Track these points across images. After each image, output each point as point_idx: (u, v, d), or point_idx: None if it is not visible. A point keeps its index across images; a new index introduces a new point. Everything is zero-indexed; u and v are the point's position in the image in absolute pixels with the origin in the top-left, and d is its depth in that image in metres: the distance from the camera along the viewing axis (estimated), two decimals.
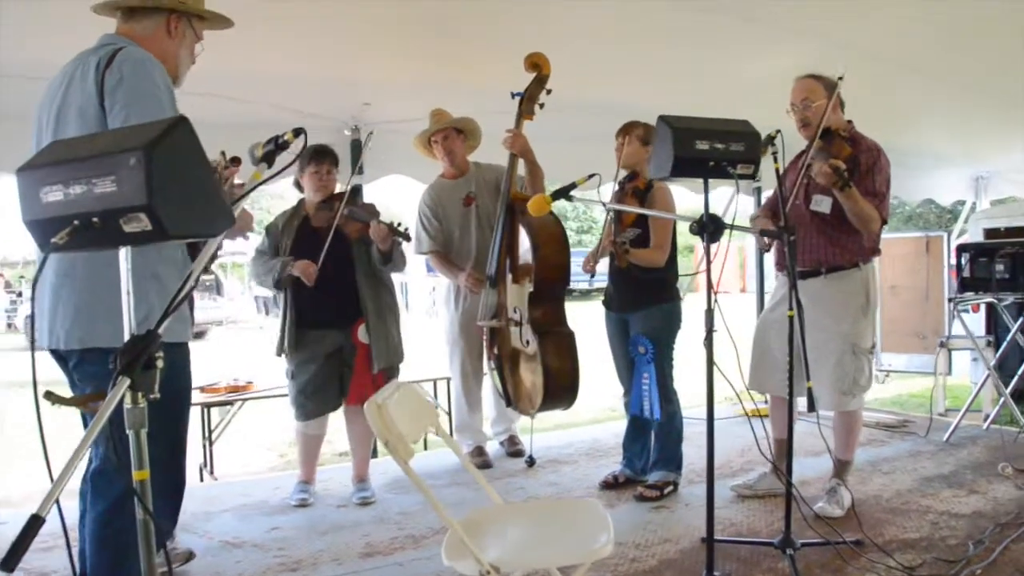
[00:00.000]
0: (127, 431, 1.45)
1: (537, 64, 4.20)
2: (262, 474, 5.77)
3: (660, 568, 3.21)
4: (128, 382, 1.36)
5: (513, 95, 4.29)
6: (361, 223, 3.95)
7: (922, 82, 5.51)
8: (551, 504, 3.57)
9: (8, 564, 1.18)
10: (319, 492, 4.27)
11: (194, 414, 5.25)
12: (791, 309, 3.07)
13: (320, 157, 4.08)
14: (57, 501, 1.31)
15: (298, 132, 1.70)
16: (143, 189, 1.27)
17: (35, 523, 1.21)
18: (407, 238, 3.97)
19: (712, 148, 2.56)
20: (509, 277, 4.31)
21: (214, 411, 5.23)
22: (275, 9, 3.68)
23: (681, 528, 3.62)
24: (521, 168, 4.43)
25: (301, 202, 4.20)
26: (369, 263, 4.02)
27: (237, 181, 2.47)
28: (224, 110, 4.37)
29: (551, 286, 4.20)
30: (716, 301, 2.70)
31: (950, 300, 5.51)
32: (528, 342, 4.15)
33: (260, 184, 1.65)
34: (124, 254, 1.45)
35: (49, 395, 1.42)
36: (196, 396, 5.11)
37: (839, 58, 4.68)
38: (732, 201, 6.75)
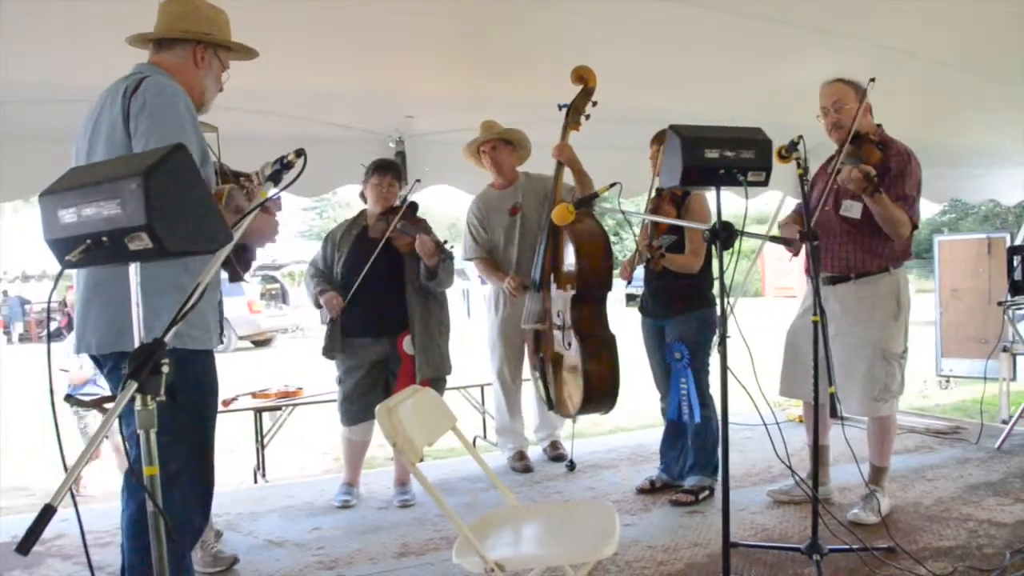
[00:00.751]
0: (137, 431, 1.57)
1: (583, 77, 4.31)
2: (317, 477, 5.95)
3: (686, 571, 3.24)
4: (135, 385, 1.49)
5: (560, 107, 4.39)
6: (410, 237, 4.07)
7: (974, 80, 5.42)
8: (564, 506, 3.64)
9: (22, 548, 1.31)
10: (362, 494, 4.41)
11: (247, 419, 5.48)
12: (815, 314, 3.09)
13: (383, 170, 4.25)
14: (72, 493, 1.44)
15: (300, 153, 1.81)
16: (143, 210, 1.40)
17: (47, 512, 1.33)
18: (449, 255, 4.10)
19: (722, 156, 2.60)
20: (554, 282, 4.40)
21: (265, 417, 5.42)
22: (320, 28, 3.85)
23: (712, 533, 3.63)
24: (569, 177, 4.52)
25: (363, 212, 4.37)
26: (419, 277, 4.14)
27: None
28: (274, 126, 4.59)
29: (593, 291, 4.28)
30: (730, 306, 2.73)
31: (999, 304, 5.37)
32: (570, 344, 4.23)
33: (265, 202, 1.77)
34: (134, 269, 1.59)
35: (68, 398, 1.56)
36: (247, 401, 5.33)
37: (886, 60, 4.68)
38: (780, 204, 6.74)
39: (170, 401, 2.20)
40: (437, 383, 4.17)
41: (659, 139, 4.13)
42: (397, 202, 4.29)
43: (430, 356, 4.13)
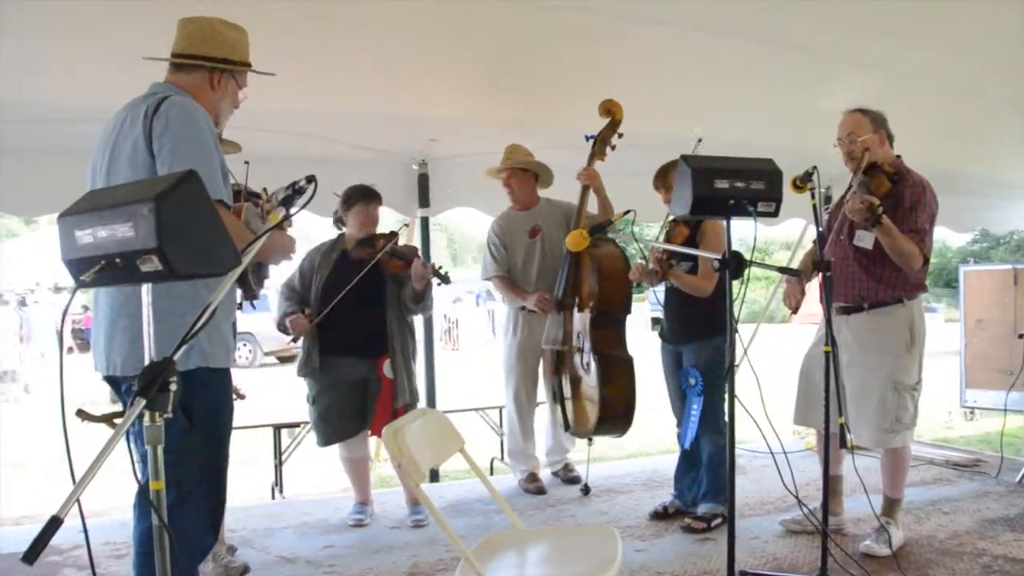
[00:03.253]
0: (145, 446, 1.62)
1: (611, 110, 4.43)
2: (333, 494, 5.99)
3: None
4: (144, 403, 1.54)
5: (587, 137, 4.50)
6: (403, 261, 4.16)
7: (1000, 110, 5.41)
8: (568, 530, 3.65)
9: (28, 558, 1.36)
10: (376, 513, 4.44)
11: (266, 436, 5.54)
12: (827, 345, 3.09)
13: (368, 197, 4.29)
14: (79, 505, 1.49)
15: (310, 179, 1.86)
16: (154, 234, 1.45)
17: (54, 523, 1.37)
18: (446, 280, 4.16)
19: (732, 187, 2.62)
20: (576, 305, 4.46)
21: (284, 433, 5.47)
22: (347, 52, 3.95)
23: (723, 560, 3.56)
24: (592, 205, 4.60)
25: (342, 236, 4.38)
26: (399, 303, 4.23)
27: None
28: (301, 147, 4.68)
29: (613, 315, 4.35)
30: (737, 333, 2.75)
31: (1020, 336, 5.32)
32: (588, 365, 4.27)
33: (276, 226, 1.82)
34: (145, 290, 1.65)
35: (80, 413, 1.61)
36: (268, 418, 5.39)
37: (914, 88, 4.69)
38: (803, 231, 6.74)
39: (186, 420, 2.26)
40: (410, 408, 4.20)
41: (661, 176, 4.17)
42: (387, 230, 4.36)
43: (406, 382, 4.20)
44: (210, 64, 2.48)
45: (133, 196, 1.51)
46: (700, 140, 3.86)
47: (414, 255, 4.16)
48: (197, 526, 2.40)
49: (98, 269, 1.55)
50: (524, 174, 4.82)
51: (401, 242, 4.41)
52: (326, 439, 4.24)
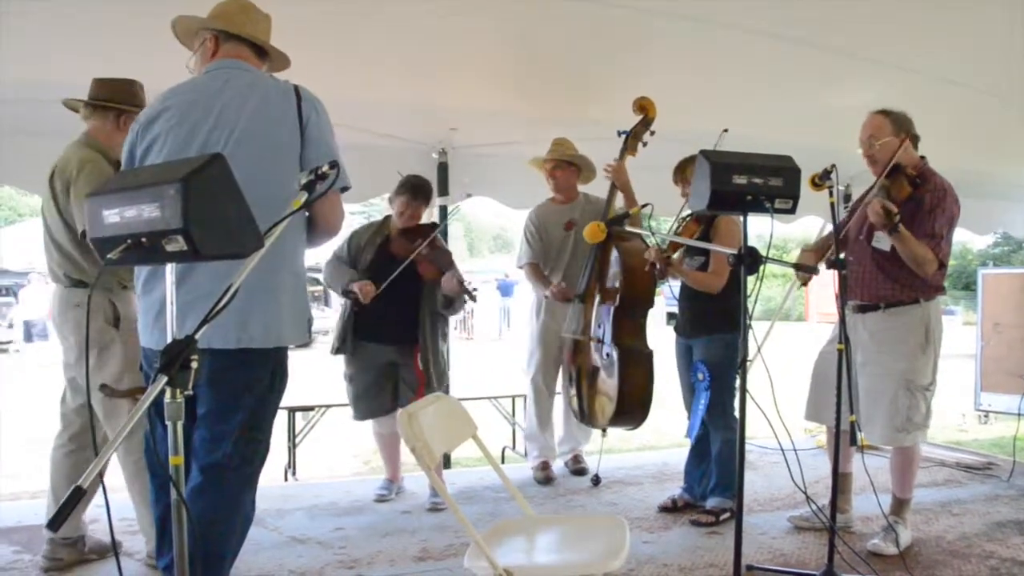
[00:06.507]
0: (165, 422, 1.66)
1: (644, 107, 4.47)
2: (345, 478, 6.05)
3: None
4: (165, 379, 1.58)
5: (619, 133, 4.53)
6: (436, 268, 4.20)
7: (1017, 110, 5.37)
8: (578, 519, 3.67)
9: (52, 525, 1.41)
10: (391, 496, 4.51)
11: (280, 418, 5.59)
12: (840, 343, 3.11)
13: (413, 194, 4.28)
14: (102, 478, 1.53)
15: (333, 165, 1.89)
16: (179, 215, 1.49)
17: (77, 493, 1.41)
18: (473, 299, 4.20)
19: (750, 183, 2.63)
20: (597, 296, 4.50)
21: (298, 416, 5.54)
22: (370, 41, 3.98)
23: (730, 555, 3.58)
24: (620, 200, 4.63)
25: (387, 220, 4.45)
26: (433, 301, 4.26)
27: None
28: None
29: (635, 307, 4.37)
30: (751, 329, 2.76)
31: None
32: (608, 355, 4.29)
33: (297, 211, 1.85)
34: (169, 269, 1.68)
35: (104, 388, 1.65)
36: (282, 400, 5.45)
37: (936, 89, 4.67)
38: (821, 230, 6.72)
39: (272, 396, 2.41)
40: None
41: (679, 170, 4.18)
42: (426, 220, 4.38)
43: (437, 373, 4.26)
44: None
45: (160, 177, 1.55)
46: (726, 130, 3.87)
47: (449, 264, 4.19)
48: (254, 501, 2.51)
49: (124, 248, 1.58)
50: (569, 167, 4.87)
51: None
52: (361, 415, 4.41)
